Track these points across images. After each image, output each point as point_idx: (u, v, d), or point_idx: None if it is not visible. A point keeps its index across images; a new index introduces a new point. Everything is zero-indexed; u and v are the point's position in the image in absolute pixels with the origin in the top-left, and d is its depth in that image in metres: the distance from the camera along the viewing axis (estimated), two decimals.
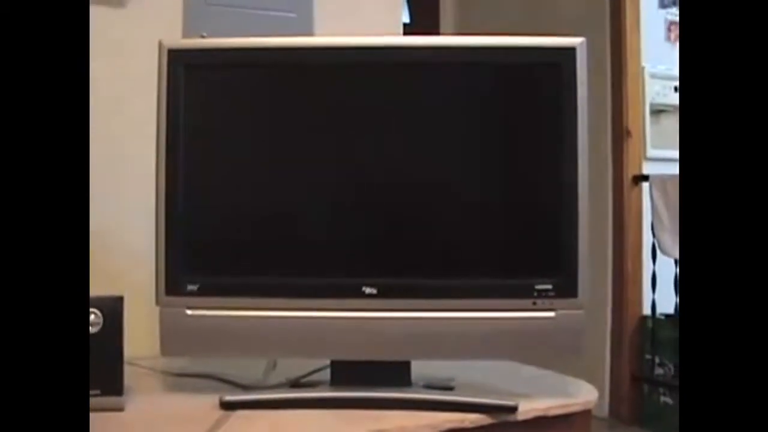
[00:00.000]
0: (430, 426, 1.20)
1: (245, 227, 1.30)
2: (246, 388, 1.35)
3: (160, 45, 1.27)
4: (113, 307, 1.23)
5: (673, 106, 3.67)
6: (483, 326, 1.26)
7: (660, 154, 3.63)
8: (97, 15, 1.57)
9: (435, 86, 1.30)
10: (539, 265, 1.27)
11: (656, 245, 3.42)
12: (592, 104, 1.27)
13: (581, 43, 1.27)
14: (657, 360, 3.45)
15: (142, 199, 1.35)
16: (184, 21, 1.70)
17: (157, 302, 1.27)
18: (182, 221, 1.26)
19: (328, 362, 1.33)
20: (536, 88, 1.29)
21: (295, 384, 1.36)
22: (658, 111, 3.70)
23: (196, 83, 1.27)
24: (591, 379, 1.44)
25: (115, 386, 1.22)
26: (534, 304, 1.26)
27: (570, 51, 1.26)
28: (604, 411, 3.52)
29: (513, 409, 1.24)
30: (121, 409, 1.22)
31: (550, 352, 1.28)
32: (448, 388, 1.33)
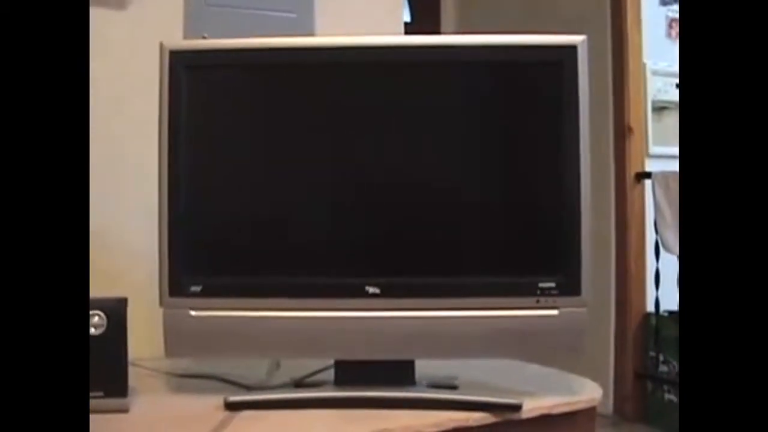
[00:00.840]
0: (434, 425, 1.20)
1: (247, 228, 1.30)
2: (250, 388, 1.35)
3: (162, 46, 1.27)
4: (117, 309, 1.23)
5: (674, 102, 3.66)
6: (486, 325, 1.26)
7: (662, 151, 3.62)
8: (98, 16, 1.57)
9: (436, 85, 1.30)
10: (542, 264, 1.27)
11: (659, 242, 3.42)
12: (593, 102, 1.27)
13: (582, 41, 1.27)
14: (661, 357, 3.45)
15: (142, 199, 1.35)
16: (184, 22, 1.70)
17: (161, 303, 1.27)
18: (184, 222, 1.27)
19: (331, 362, 1.33)
20: (538, 86, 1.28)
21: (299, 384, 1.36)
22: (659, 108, 3.69)
23: (198, 84, 1.27)
24: (595, 377, 1.44)
25: (119, 388, 1.22)
26: (537, 302, 1.26)
27: (571, 49, 1.26)
28: (609, 409, 3.52)
29: (517, 408, 1.24)
30: (125, 411, 1.22)
31: (553, 350, 1.28)
32: (452, 387, 1.33)
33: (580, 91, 1.26)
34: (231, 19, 1.74)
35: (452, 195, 1.30)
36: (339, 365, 1.31)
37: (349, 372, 1.30)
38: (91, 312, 1.20)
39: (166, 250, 1.26)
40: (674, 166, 3.03)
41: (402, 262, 1.28)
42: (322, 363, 1.38)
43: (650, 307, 3.53)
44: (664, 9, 3.73)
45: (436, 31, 4.28)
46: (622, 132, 3.59)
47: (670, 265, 3.38)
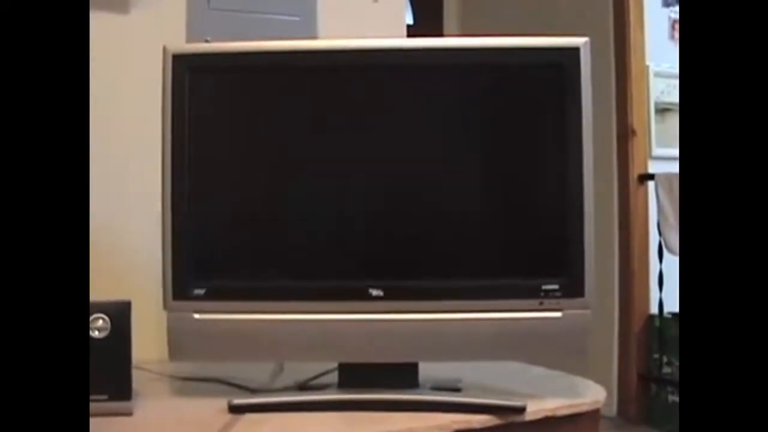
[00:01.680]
0: (438, 427, 1.20)
1: (251, 231, 1.30)
2: (254, 391, 1.35)
3: (164, 50, 1.28)
4: (121, 312, 1.23)
5: (677, 104, 3.66)
6: (490, 327, 1.26)
7: (665, 152, 3.62)
8: (101, 20, 1.58)
9: (438, 88, 1.30)
10: (546, 266, 1.27)
11: (662, 244, 3.42)
12: (596, 103, 1.27)
13: (585, 43, 1.27)
14: (665, 359, 3.45)
15: (146, 203, 1.36)
16: (187, 26, 1.71)
17: (165, 307, 1.27)
18: (188, 225, 1.27)
19: (335, 365, 1.33)
20: (540, 88, 1.28)
21: (303, 387, 1.36)
22: (662, 109, 3.69)
23: (201, 88, 1.27)
24: (598, 379, 1.44)
25: (123, 391, 1.22)
26: (541, 304, 1.26)
27: (574, 51, 1.26)
28: (612, 411, 3.51)
29: (521, 410, 1.24)
30: (129, 414, 1.22)
31: (557, 352, 1.28)
32: (456, 390, 1.33)
33: (583, 92, 1.26)
34: (233, 22, 1.74)
35: (455, 197, 1.30)
36: (342, 368, 1.31)
37: (353, 375, 1.30)
38: (94, 315, 1.21)
39: (169, 253, 1.26)
40: (677, 167, 3.03)
41: (405, 265, 1.28)
42: (325, 366, 1.38)
43: (654, 309, 3.53)
44: (666, 10, 3.73)
45: (439, 34, 4.28)
46: (625, 134, 3.59)
47: (673, 266, 3.38)
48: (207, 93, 1.28)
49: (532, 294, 1.26)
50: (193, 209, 1.27)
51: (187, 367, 1.47)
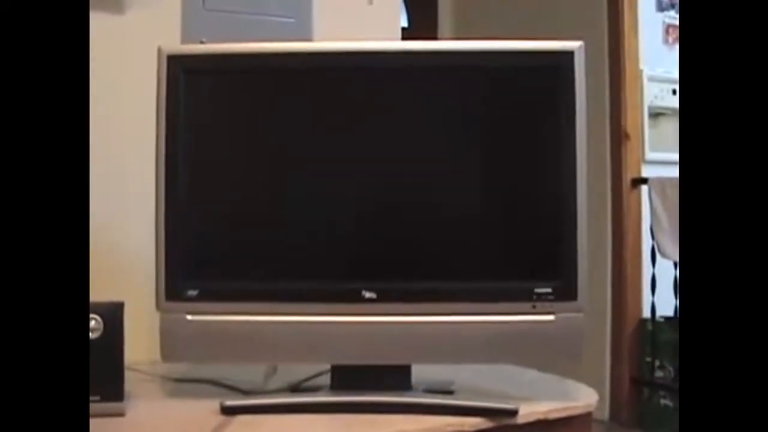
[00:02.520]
0: (431, 429, 1.20)
1: (245, 232, 1.30)
2: (246, 393, 1.35)
3: (159, 50, 1.28)
4: (113, 313, 1.23)
5: (671, 108, 3.67)
6: (483, 330, 1.26)
7: (659, 157, 3.63)
8: (96, 21, 1.57)
9: (433, 91, 1.30)
10: (539, 269, 1.27)
11: (655, 248, 3.42)
12: (590, 107, 1.27)
13: (579, 47, 1.27)
14: (657, 363, 3.45)
15: (140, 204, 1.35)
16: (182, 27, 1.71)
17: (158, 308, 1.27)
18: (182, 227, 1.27)
19: (328, 367, 1.33)
20: (534, 92, 1.29)
21: (296, 389, 1.36)
22: (656, 114, 3.70)
23: (195, 89, 1.27)
24: (591, 383, 1.44)
25: (115, 392, 1.22)
26: (534, 307, 1.26)
27: (568, 54, 1.27)
28: (605, 414, 3.52)
29: (513, 413, 1.24)
30: (122, 415, 1.22)
31: (550, 355, 1.29)
32: (449, 392, 1.33)
33: (577, 96, 1.26)
34: (229, 23, 1.74)
35: (448, 200, 1.31)
36: (335, 370, 1.31)
37: (346, 377, 1.30)
38: None
39: (163, 254, 1.26)
40: (671, 172, 3.04)
41: (398, 267, 1.29)
42: (318, 368, 1.38)
43: (646, 313, 3.53)
44: (661, 15, 3.74)
45: (434, 37, 4.29)
46: (619, 138, 3.60)
47: (666, 270, 3.39)
48: (202, 94, 1.28)
49: (525, 297, 1.26)
50: (186, 211, 1.27)
51: (179, 368, 1.47)
